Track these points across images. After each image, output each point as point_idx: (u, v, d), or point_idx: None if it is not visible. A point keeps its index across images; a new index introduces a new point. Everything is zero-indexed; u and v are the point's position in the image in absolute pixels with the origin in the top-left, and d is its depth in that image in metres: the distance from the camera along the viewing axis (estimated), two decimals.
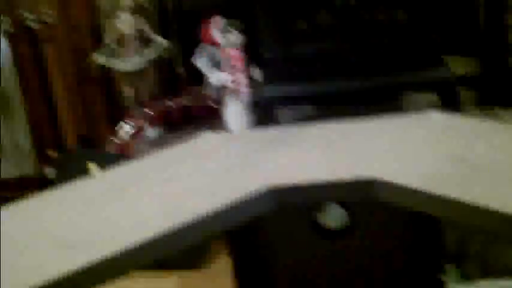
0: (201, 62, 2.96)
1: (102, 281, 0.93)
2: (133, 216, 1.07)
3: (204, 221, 1.03)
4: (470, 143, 1.16)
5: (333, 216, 1.21)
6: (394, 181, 1.03)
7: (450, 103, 2.67)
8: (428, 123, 1.30)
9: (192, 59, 2.94)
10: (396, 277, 1.22)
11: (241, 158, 1.25)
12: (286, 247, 1.23)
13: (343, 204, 1.18)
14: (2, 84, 3.48)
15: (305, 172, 1.15)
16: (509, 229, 0.89)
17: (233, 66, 2.92)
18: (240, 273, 1.26)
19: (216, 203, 1.05)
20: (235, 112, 2.89)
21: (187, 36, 3.21)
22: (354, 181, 1.07)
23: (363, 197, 1.07)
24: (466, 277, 2.05)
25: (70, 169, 2.76)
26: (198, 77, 3.05)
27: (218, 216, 1.04)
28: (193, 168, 1.26)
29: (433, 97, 2.76)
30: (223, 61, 2.93)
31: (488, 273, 2.00)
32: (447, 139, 1.21)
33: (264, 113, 2.87)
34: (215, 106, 2.98)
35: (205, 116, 3.04)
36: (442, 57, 2.77)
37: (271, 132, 1.43)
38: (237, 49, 2.91)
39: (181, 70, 3.29)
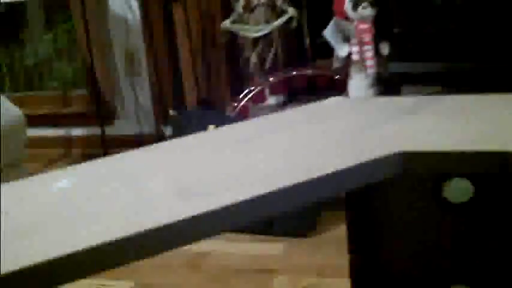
0: (330, 34, 2.94)
1: (217, 232, 0.92)
2: (253, 170, 1.05)
3: (327, 180, 1.00)
4: None
5: (458, 190, 1.16)
6: None
7: None
8: None
9: (323, 32, 2.92)
10: None
11: (367, 122, 1.21)
12: (406, 219, 1.19)
13: (468, 178, 1.12)
14: (130, 43, 3.54)
15: (434, 140, 1.10)
16: None
17: (361, 40, 2.88)
18: (354, 243, 1.23)
19: (340, 164, 1.02)
20: (359, 85, 2.86)
21: (317, 8, 3.19)
22: (487, 152, 1.03)
23: (495, 170, 1.02)
24: None
25: (188, 129, 2.79)
26: (324, 49, 3.04)
27: (342, 176, 1.01)
28: (318, 128, 1.22)
29: None
30: (353, 34, 2.90)
31: None
32: None
33: (388, 88, 2.83)
34: (340, 78, 2.95)
35: (329, 87, 3.01)
36: None
37: (400, 100, 1.38)
38: (367, 23, 2.87)
39: (308, 41, 3.27)
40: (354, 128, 1.18)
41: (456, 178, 1.12)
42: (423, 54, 2.86)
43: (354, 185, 1.04)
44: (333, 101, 1.40)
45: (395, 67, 2.85)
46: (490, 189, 1.13)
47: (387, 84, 2.82)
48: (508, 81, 2.66)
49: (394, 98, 1.43)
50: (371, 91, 2.81)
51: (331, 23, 2.90)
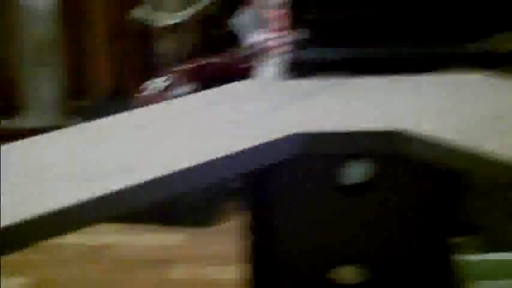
0: (240, 22, 2.91)
1: (111, 214, 0.87)
2: (152, 154, 1.01)
3: (225, 161, 0.97)
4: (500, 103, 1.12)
5: (354, 172, 1.16)
6: (424, 134, 0.97)
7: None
8: (470, 83, 1.27)
9: (232, 19, 2.89)
10: (410, 235, 1.15)
11: (270, 105, 1.22)
12: (302, 200, 1.19)
13: (364, 159, 1.12)
14: (40, 33, 3.46)
15: (333, 121, 1.10)
16: None
17: (272, 27, 2.85)
18: (251, 226, 1.22)
19: (239, 145, 0.99)
20: (272, 72, 2.82)
21: None
22: (382, 131, 1.03)
23: (390, 149, 1.02)
24: (483, 248, 1.98)
25: (95, 119, 2.72)
26: (239, 37, 3.01)
27: (240, 158, 0.99)
28: (219, 111, 1.23)
29: (476, 70, 2.67)
30: (263, 21, 2.86)
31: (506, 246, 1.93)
32: (489, 99, 1.16)
33: (302, 75, 2.79)
34: (252, 66, 2.92)
35: (241, 75, 2.97)
36: (488, 31, 2.67)
37: (304, 84, 1.41)
38: (277, 10, 2.84)
39: (222, 30, 3.23)
40: (255, 111, 1.19)
41: (352, 159, 1.12)
42: (338, 40, 2.84)
43: (252, 165, 1.03)
44: (238, 85, 1.41)
45: (310, 53, 2.82)
46: (386, 171, 1.13)
47: (301, 71, 2.78)
48: (420, 63, 2.66)
49: (298, 82, 1.50)
50: (284, 78, 2.77)
51: (244, 10, 2.87)
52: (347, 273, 1.15)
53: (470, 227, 2.00)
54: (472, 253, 1.89)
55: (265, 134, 1.02)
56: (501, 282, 1.84)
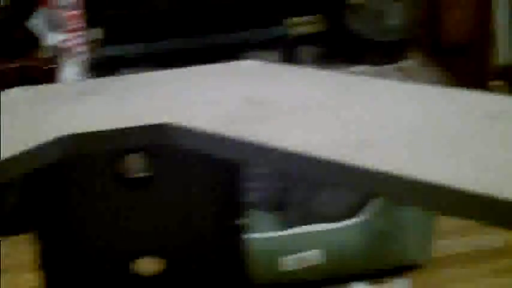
0: (38, 24, 2.86)
1: None
2: None
3: None
4: (272, 87, 1.14)
5: (133, 166, 1.17)
6: (189, 125, 0.99)
7: (289, 60, 2.68)
8: (238, 70, 1.28)
9: (30, 21, 2.84)
10: (198, 223, 1.18)
11: (42, 110, 1.18)
12: (87, 199, 1.17)
13: (141, 153, 1.13)
14: None
15: (107, 119, 1.09)
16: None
17: (70, 27, 2.83)
18: (41, 230, 1.20)
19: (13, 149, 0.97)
20: (72, 73, 2.80)
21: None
22: (154, 125, 1.02)
23: (164, 142, 1.02)
24: (288, 224, 2.07)
25: None
26: (36, 39, 2.95)
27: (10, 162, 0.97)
28: None
29: (274, 55, 2.77)
30: (60, 22, 2.84)
31: (309, 219, 2.02)
32: (252, 84, 1.19)
33: (103, 74, 2.79)
34: (52, 67, 2.88)
35: (42, 78, 2.93)
36: (282, 16, 2.78)
37: (84, 84, 1.38)
38: (73, 9, 2.82)
39: (18, 33, 3.15)
40: (27, 117, 1.12)
41: (131, 154, 1.13)
42: (137, 36, 2.85)
43: (25, 169, 0.99)
44: (15, 91, 1.35)
45: (110, 51, 2.83)
46: (164, 163, 1.15)
47: (102, 69, 2.78)
48: (219, 52, 2.71)
49: (79, 82, 1.41)
50: (84, 78, 2.76)
51: (38, 12, 2.82)
52: (145, 264, 1.18)
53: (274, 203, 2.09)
54: (277, 229, 1.99)
55: (38, 137, 1.00)
56: (305, 254, 1.95)
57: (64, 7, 2.79)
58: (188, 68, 1.30)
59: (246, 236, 1.19)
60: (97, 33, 2.89)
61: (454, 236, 2.12)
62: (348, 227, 1.98)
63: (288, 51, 2.74)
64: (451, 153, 0.82)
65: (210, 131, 0.97)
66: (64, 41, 2.82)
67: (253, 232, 1.97)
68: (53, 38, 2.86)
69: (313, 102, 1.05)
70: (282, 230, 1.99)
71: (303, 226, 1.99)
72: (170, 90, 1.22)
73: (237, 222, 1.19)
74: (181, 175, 1.17)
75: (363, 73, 2.74)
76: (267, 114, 1.03)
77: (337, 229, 1.98)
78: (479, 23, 3.08)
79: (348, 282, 1.97)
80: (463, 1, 3.03)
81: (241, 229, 1.19)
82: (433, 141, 0.87)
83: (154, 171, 1.15)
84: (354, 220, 1.99)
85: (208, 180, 1.19)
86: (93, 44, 2.87)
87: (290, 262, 1.94)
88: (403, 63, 2.84)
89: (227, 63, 1.31)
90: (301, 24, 3.10)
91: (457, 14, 3.03)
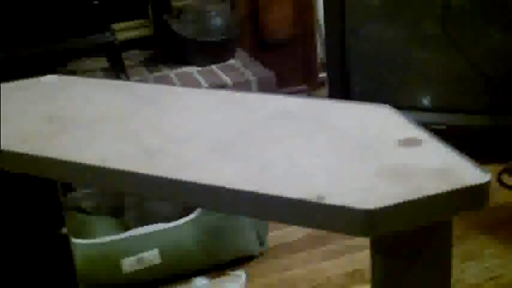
0: None
1: None
2: None
3: None
4: (70, 101, 1.16)
5: None
6: None
7: (116, 65, 2.70)
8: (38, 86, 1.27)
9: None
10: (23, 236, 1.19)
11: None
12: None
13: None
14: None
15: None
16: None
17: None
18: None
19: None
20: None
21: None
22: None
23: None
24: (125, 227, 2.10)
25: None
26: None
27: None
28: None
29: (101, 62, 2.78)
30: None
31: (146, 220, 2.06)
32: (51, 99, 1.19)
33: None
34: None
35: None
36: (107, 22, 2.78)
37: None
38: None
39: None
40: None
41: None
42: None
43: None
44: None
45: None
46: None
47: None
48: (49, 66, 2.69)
49: None
50: None
51: None
52: None
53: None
54: (116, 233, 2.00)
55: None
56: (144, 254, 1.97)
57: None
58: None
59: (76, 242, 1.22)
60: None
61: (287, 226, 2.20)
62: (181, 225, 2.03)
63: (116, 57, 2.75)
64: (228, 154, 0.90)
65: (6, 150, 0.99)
66: None
67: (94, 237, 1.98)
68: None
69: (107, 115, 1.09)
70: (121, 233, 2.01)
71: (140, 228, 2.02)
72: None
73: (61, 231, 1.21)
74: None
75: (189, 74, 2.80)
76: (63, 129, 1.05)
77: (172, 228, 2.02)
78: (299, 19, 3.21)
79: (189, 278, 2.01)
80: None
81: (65, 237, 1.21)
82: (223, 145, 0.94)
83: None
84: (186, 218, 2.04)
85: (25, 197, 1.19)
86: None
87: (131, 263, 1.96)
88: (230, 62, 2.92)
89: (29, 79, 1.30)
90: (128, 29, 3.13)
91: (276, 11, 3.14)
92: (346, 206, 0.75)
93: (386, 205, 0.73)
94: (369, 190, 0.77)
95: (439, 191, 0.75)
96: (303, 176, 0.83)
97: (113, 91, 1.20)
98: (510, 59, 2.50)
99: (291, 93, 3.01)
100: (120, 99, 1.15)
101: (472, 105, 2.55)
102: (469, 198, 0.77)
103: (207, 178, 0.83)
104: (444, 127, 2.47)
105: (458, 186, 0.76)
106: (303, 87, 3.31)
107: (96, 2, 2.70)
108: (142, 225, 2.03)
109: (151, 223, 2.02)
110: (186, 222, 2.04)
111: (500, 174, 2.46)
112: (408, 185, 0.77)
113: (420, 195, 0.75)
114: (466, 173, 0.79)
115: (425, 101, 2.64)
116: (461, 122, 2.54)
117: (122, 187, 0.93)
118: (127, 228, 2.06)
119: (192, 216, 2.04)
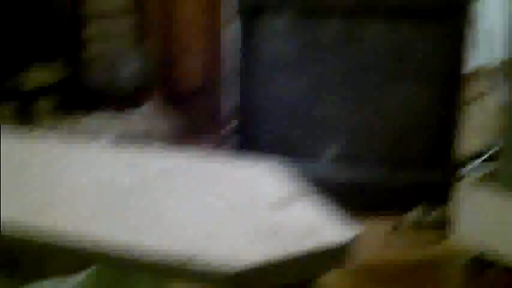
0: None
1: None
2: None
3: None
4: None
5: None
6: None
7: (25, 113, 2.67)
8: None
9: None
10: None
11: None
12: None
13: None
14: None
15: None
16: None
17: None
18: None
19: None
20: None
21: None
22: None
23: None
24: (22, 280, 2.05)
25: None
26: None
27: None
28: None
29: (8, 109, 2.74)
30: None
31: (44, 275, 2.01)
32: None
33: None
34: None
35: None
36: (21, 66, 2.75)
37: None
38: None
39: None
40: None
41: None
42: None
43: None
44: None
45: None
46: None
47: None
48: None
49: None
50: None
51: None
52: None
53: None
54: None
55: None
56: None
57: None
58: None
59: None
60: None
61: None
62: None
63: (24, 104, 2.72)
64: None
65: None
66: None
67: None
68: None
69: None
70: None
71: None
72: None
73: None
74: None
75: (97, 121, 2.79)
76: None
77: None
78: (210, 69, 3.24)
79: None
80: (194, 49, 3.17)
81: None
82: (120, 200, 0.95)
83: None
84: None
85: None
86: None
87: None
88: (141, 110, 2.92)
89: None
90: (38, 77, 3.10)
91: (188, 61, 3.16)
92: (212, 268, 0.77)
93: (251, 266, 0.76)
94: (236, 251, 0.79)
95: (303, 250, 0.78)
96: (176, 236, 0.84)
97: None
98: (418, 113, 2.56)
99: (200, 141, 3.02)
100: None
101: (377, 157, 2.60)
102: (331, 256, 0.80)
103: (89, 235, 0.84)
104: (345, 180, 2.50)
105: (321, 245, 0.79)
106: (213, 135, 3.33)
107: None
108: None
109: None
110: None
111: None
112: (274, 245, 0.79)
113: (284, 255, 0.77)
114: (331, 231, 0.81)
115: (331, 153, 2.67)
116: (364, 174, 2.58)
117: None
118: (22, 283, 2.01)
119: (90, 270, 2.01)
